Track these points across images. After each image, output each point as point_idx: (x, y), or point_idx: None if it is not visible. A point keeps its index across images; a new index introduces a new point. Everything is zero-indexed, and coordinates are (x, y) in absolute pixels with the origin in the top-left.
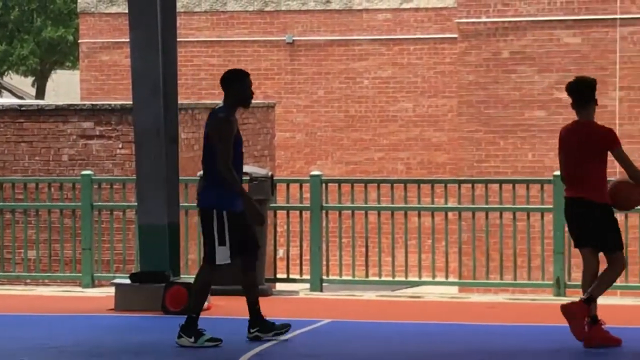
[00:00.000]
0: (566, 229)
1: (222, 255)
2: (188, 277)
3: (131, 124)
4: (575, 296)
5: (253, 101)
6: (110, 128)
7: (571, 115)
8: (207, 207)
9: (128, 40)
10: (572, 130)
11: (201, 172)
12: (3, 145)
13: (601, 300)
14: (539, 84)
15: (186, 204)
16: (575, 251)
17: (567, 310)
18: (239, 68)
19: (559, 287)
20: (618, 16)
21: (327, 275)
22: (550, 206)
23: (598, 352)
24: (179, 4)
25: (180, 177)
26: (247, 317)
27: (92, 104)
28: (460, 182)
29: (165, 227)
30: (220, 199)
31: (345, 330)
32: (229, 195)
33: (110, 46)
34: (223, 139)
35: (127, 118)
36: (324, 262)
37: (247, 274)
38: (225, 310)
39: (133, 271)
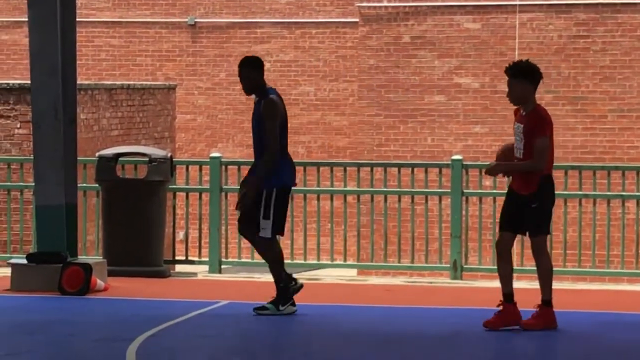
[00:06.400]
0: (464, 212)
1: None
2: (86, 257)
3: (29, 104)
4: (471, 280)
5: (153, 82)
6: (8, 107)
7: (470, 101)
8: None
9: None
10: None
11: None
12: None
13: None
14: (439, 69)
15: (85, 185)
16: (473, 235)
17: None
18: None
19: (456, 270)
20: (517, 2)
21: (226, 257)
22: (448, 190)
23: (498, 334)
24: None
25: (78, 158)
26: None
27: None
28: (359, 165)
29: (62, 208)
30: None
31: (243, 312)
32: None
33: (9, 25)
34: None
35: (25, 98)
36: (223, 244)
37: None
38: (122, 291)
39: (30, 252)
